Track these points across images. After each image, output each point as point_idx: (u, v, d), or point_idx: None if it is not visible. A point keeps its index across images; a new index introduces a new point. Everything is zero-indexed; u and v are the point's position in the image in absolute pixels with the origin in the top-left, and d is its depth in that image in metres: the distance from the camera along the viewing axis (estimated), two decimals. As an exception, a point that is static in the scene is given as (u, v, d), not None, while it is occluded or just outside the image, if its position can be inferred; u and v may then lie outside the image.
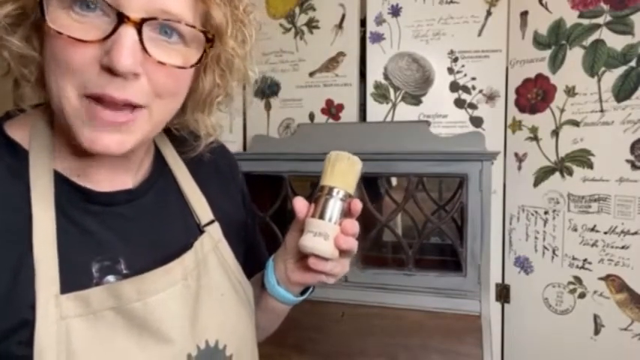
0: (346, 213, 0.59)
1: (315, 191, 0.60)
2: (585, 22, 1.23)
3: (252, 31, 0.56)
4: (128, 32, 0.43)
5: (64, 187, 0.50)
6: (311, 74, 1.53)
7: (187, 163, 0.64)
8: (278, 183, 1.30)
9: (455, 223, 1.37)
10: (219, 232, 0.62)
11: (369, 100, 1.48)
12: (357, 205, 0.59)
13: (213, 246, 0.60)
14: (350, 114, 1.49)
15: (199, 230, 0.60)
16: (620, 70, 1.18)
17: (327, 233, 0.56)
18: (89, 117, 0.45)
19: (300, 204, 0.59)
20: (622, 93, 1.18)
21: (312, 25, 1.52)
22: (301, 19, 1.53)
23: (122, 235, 0.53)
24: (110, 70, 0.43)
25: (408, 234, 1.39)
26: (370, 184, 1.28)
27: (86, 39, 0.43)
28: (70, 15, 0.44)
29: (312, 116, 1.53)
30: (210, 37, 0.50)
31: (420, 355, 1.10)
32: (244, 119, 1.62)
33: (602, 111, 1.21)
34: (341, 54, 1.49)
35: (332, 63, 1.50)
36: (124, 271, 0.51)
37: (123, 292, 0.48)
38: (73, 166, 0.52)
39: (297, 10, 1.54)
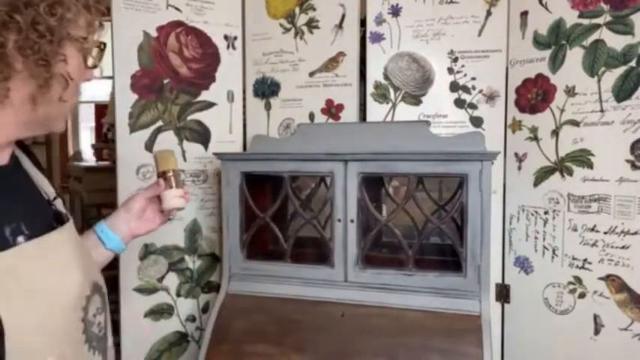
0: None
1: (158, 176, 0.99)
2: (585, 22, 1.23)
3: None
4: None
5: None
6: (311, 74, 1.53)
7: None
8: (278, 183, 1.30)
9: (455, 223, 1.37)
10: (62, 205, 0.79)
11: (369, 100, 1.48)
12: (181, 175, 1.09)
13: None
14: (350, 114, 1.49)
15: (49, 204, 0.75)
16: (620, 70, 1.18)
17: (180, 195, 0.98)
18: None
19: (161, 182, 0.98)
20: (622, 93, 1.18)
21: (312, 25, 1.52)
22: (301, 19, 1.53)
23: (12, 202, 0.66)
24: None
25: (408, 234, 1.38)
26: (370, 184, 1.28)
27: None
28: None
29: (312, 116, 1.53)
30: None
31: (420, 355, 1.10)
32: (244, 119, 1.62)
33: (602, 111, 1.21)
34: (341, 54, 1.49)
35: (332, 63, 1.50)
36: (26, 232, 0.65)
37: (49, 242, 0.67)
38: None
39: (297, 10, 1.54)
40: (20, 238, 0.64)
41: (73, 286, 0.68)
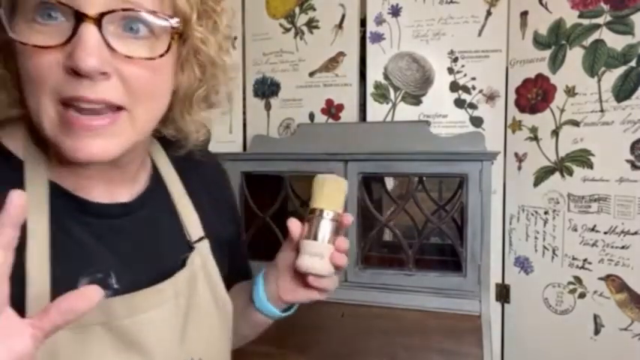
0: (337, 230, 0.62)
1: (307, 213, 0.63)
2: (585, 22, 1.23)
3: (222, 18, 0.54)
4: (89, 30, 0.42)
5: (59, 197, 0.49)
6: (311, 74, 1.53)
7: (180, 173, 0.64)
8: (278, 183, 1.30)
9: (455, 223, 1.37)
10: (208, 249, 0.62)
11: (369, 100, 1.48)
12: (349, 220, 0.63)
13: (202, 263, 0.60)
14: (350, 114, 1.49)
15: (189, 247, 0.60)
16: (620, 70, 1.18)
17: (323, 253, 0.60)
18: (67, 125, 0.44)
19: (294, 226, 0.63)
20: (622, 93, 1.18)
21: (312, 25, 1.52)
22: (301, 19, 1.53)
23: (114, 248, 0.52)
24: (77, 72, 0.42)
25: (408, 234, 1.39)
26: (370, 184, 1.28)
27: (48, 45, 0.42)
28: (34, 27, 0.43)
29: (312, 116, 1.53)
30: (176, 23, 0.47)
31: (420, 355, 1.10)
32: (244, 119, 1.62)
33: (602, 111, 1.21)
34: (341, 54, 1.49)
35: (332, 63, 1.50)
36: (115, 286, 0.50)
37: (113, 308, 0.48)
38: (68, 178, 0.51)
39: (297, 10, 1.53)
40: None
41: None
